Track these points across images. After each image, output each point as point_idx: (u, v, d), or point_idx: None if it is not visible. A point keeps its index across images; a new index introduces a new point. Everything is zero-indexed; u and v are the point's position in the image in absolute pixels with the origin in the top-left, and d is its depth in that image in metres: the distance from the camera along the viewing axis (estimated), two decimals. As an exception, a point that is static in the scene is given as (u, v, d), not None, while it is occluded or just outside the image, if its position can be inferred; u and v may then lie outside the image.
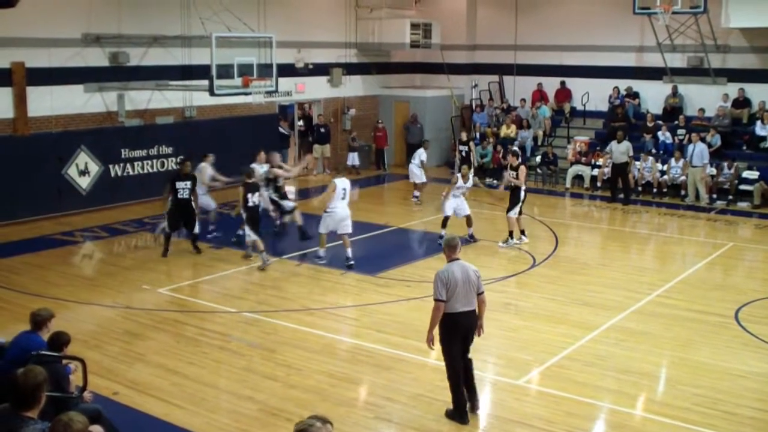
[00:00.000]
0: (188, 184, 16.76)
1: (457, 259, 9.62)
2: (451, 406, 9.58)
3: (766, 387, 10.70)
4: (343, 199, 16.13)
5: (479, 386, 10.53)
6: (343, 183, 16.29)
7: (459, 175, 18.46)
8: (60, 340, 8.26)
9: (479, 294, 9.52)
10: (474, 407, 9.68)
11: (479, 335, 9.72)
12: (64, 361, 8.22)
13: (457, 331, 9.46)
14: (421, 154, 23.51)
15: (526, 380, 10.84)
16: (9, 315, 12.76)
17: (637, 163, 24.41)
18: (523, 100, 29.23)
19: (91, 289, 14.62)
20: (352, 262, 16.07)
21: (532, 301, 14.24)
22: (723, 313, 13.56)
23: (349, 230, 16.24)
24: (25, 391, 5.76)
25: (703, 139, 23.74)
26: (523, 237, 18.15)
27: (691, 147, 23.46)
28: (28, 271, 15.66)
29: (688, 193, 23.42)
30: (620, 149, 23.38)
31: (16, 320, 11.60)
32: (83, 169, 20.77)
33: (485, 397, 10.52)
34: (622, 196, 23.37)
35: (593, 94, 27.83)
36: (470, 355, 9.71)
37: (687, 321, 13.25)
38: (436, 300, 9.37)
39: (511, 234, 18.05)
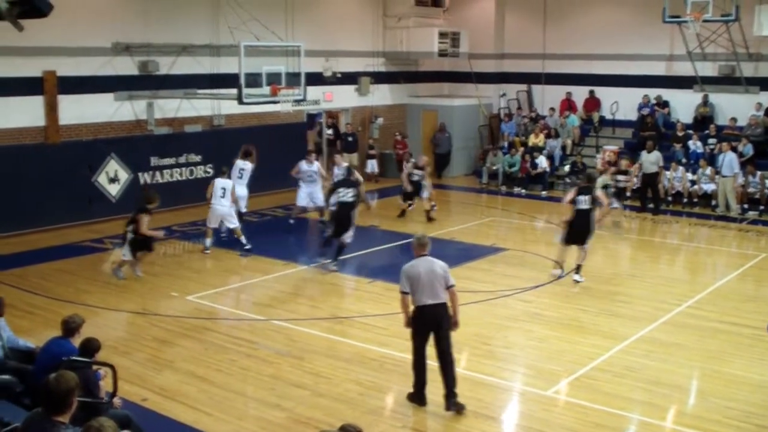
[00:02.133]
0: (351, 191, 16.62)
1: (425, 255, 10.02)
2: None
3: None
4: (222, 197, 17.40)
5: (507, 396, 10.55)
6: (222, 183, 17.67)
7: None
8: (91, 346, 8.31)
9: (448, 287, 9.89)
10: (450, 404, 9.85)
11: (454, 329, 10.04)
12: (95, 367, 8.26)
13: (423, 322, 9.90)
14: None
15: (555, 391, 10.75)
16: (40, 321, 12.85)
17: (667, 173, 24.21)
18: (552, 109, 29.11)
19: (121, 295, 14.70)
20: (248, 247, 17.62)
21: (560, 312, 14.14)
22: (755, 325, 13.36)
23: (233, 225, 17.47)
24: (58, 396, 5.79)
25: (734, 149, 23.53)
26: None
27: (721, 156, 23.28)
28: (58, 277, 15.78)
29: (718, 203, 23.19)
30: (650, 159, 23.22)
31: (47, 326, 11.70)
32: (113, 177, 20.92)
33: (512, 407, 10.49)
34: (651, 206, 23.19)
35: (622, 103, 27.65)
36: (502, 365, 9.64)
37: (719, 333, 13.10)
38: (400, 292, 9.95)
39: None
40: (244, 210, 19.17)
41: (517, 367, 11.67)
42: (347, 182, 16.92)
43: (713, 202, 23.41)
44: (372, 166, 28.12)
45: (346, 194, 16.49)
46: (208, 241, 17.89)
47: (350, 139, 27.42)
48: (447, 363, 9.88)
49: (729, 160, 22.95)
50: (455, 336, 9.99)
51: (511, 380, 11.19)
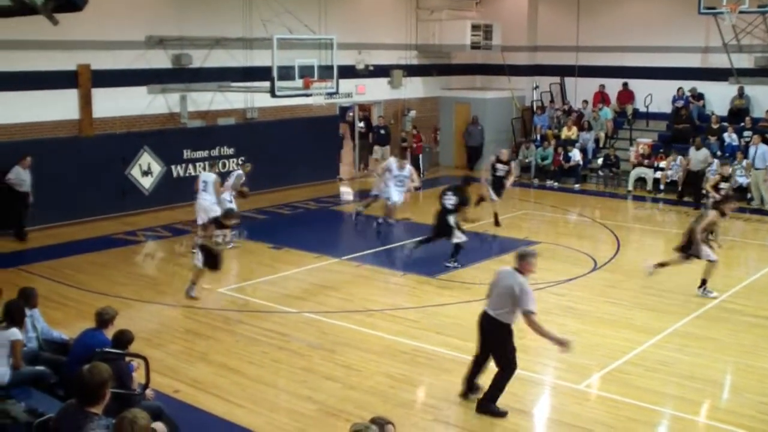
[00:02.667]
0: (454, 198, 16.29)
1: (513, 267, 9.98)
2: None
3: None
4: (204, 190, 16.99)
5: (539, 390, 10.58)
6: (204, 176, 17.37)
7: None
8: (124, 338, 8.39)
9: (524, 312, 9.62)
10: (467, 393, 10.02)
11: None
12: (127, 359, 8.34)
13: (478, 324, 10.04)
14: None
15: (587, 384, 10.71)
16: (75, 312, 12.98)
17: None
18: (585, 101, 28.92)
19: (154, 288, 14.81)
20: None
21: (593, 305, 14.07)
22: (791, 318, 13.27)
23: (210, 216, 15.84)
24: (91, 388, 5.85)
25: (766, 141, 23.28)
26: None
27: (753, 149, 23.03)
28: (92, 270, 15.93)
29: (753, 196, 22.95)
30: (698, 157, 22.93)
31: (80, 318, 11.82)
32: (146, 170, 21.08)
33: (544, 400, 10.46)
34: (691, 199, 22.89)
35: (656, 96, 27.41)
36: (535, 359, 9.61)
37: (753, 327, 12.97)
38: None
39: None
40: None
41: (549, 360, 11.61)
42: (453, 188, 16.52)
43: (748, 195, 23.16)
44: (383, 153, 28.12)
45: (448, 200, 16.23)
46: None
47: (382, 132, 27.41)
48: (480, 366, 9.93)
49: (762, 153, 22.72)
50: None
51: (544, 374, 11.16)
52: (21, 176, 17.76)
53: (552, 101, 29.99)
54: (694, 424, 9.70)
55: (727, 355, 11.78)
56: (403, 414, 9.62)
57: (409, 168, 19.57)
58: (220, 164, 22.61)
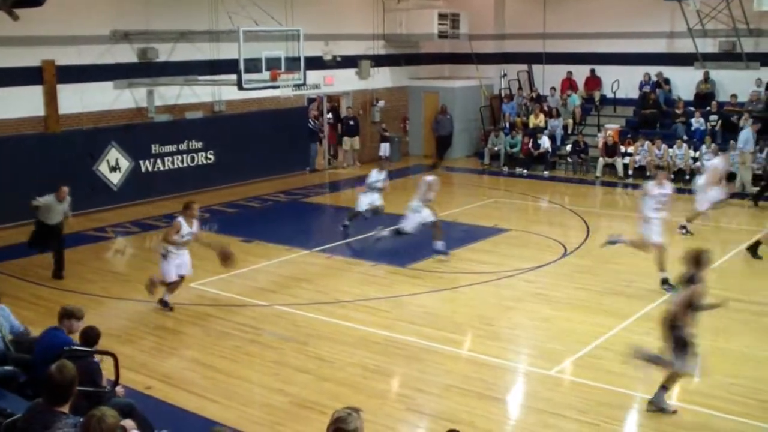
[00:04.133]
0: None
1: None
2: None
3: (803, 375, 10.57)
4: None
5: (511, 377, 10.64)
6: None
7: None
8: (91, 335, 8.32)
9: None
10: None
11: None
12: (96, 356, 8.27)
13: None
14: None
15: (559, 370, 10.76)
16: (45, 311, 12.82)
17: (670, 150, 24.19)
18: (553, 88, 29.04)
19: (124, 284, 14.73)
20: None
21: (563, 291, 14.14)
22: (759, 300, 13.41)
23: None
24: (60, 387, 5.81)
25: (734, 125, 23.47)
26: None
27: (743, 133, 23.11)
28: (61, 267, 15.78)
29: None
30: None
31: (51, 316, 11.66)
32: (114, 165, 20.91)
33: (517, 387, 10.52)
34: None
35: (624, 82, 27.58)
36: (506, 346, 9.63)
37: (723, 310, 13.04)
38: None
39: None
40: None
41: (521, 347, 11.69)
42: None
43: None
44: (385, 149, 28.08)
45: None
46: None
47: (351, 123, 27.37)
48: None
49: (747, 136, 22.87)
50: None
51: (516, 361, 11.21)
52: (52, 206, 15.09)
53: (520, 89, 30.06)
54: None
55: (698, 338, 11.84)
56: (376, 404, 9.64)
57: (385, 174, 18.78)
58: (189, 158, 22.50)
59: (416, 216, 16.27)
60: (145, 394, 9.79)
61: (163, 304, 13.18)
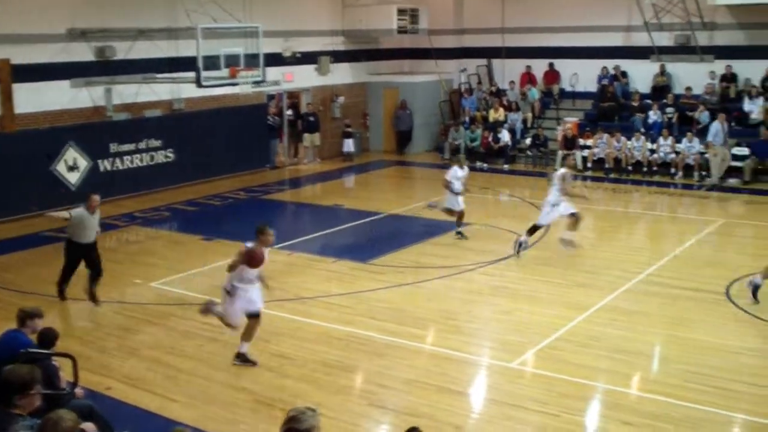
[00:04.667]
0: None
1: None
2: None
3: (759, 361, 10.74)
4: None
5: (473, 370, 10.70)
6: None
7: None
8: (49, 337, 8.26)
9: None
10: None
11: None
12: (54, 358, 8.21)
13: None
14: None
15: (520, 362, 10.84)
16: (3, 313, 12.70)
17: (628, 142, 24.47)
18: (512, 82, 29.21)
19: (85, 285, 14.57)
20: None
21: (524, 284, 14.26)
22: (715, 290, 13.59)
23: None
24: (13, 389, 5.76)
25: (690, 118, 23.81)
26: None
27: (713, 126, 23.49)
28: (20, 268, 15.64)
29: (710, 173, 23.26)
30: None
31: (9, 319, 11.57)
32: (72, 165, 20.68)
33: (479, 380, 10.59)
34: None
35: (582, 75, 27.85)
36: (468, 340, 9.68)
37: (679, 299, 13.27)
38: None
39: None
40: None
41: (482, 340, 11.77)
42: None
43: (672, 170, 23.66)
44: (348, 145, 28.07)
45: None
46: None
47: (311, 119, 27.32)
48: None
49: (717, 129, 23.22)
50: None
51: (477, 354, 11.29)
52: (84, 220, 13.13)
53: (480, 83, 30.19)
54: (625, 396, 9.88)
55: (656, 327, 12.04)
56: (339, 400, 9.66)
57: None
58: (148, 157, 22.33)
59: (554, 210, 16.09)
60: (105, 395, 9.72)
61: (242, 359, 10.80)
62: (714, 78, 25.53)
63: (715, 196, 21.41)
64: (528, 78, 29.18)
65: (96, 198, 13.15)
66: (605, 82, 27.25)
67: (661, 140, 24.06)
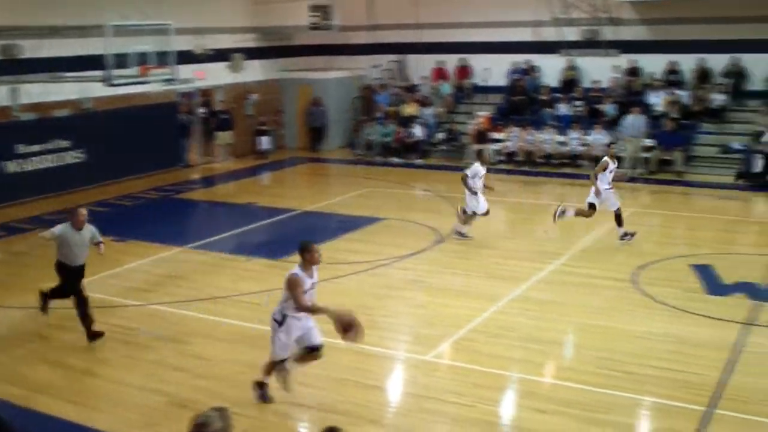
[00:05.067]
0: None
1: None
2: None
3: (666, 346, 11.07)
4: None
5: (389, 364, 10.77)
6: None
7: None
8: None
9: None
10: None
11: None
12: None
13: None
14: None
15: (435, 355, 10.97)
16: None
17: (539, 135, 24.92)
18: (425, 78, 29.42)
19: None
20: None
21: (438, 277, 14.40)
22: (623, 277, 13.98)
23: None
24: None
25: (599, 111, 24.38)
26: None
27: (628, 119, 24.10)
28: None
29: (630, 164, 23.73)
30: None
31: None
32: (-23, 167, 20.15)
33: (395, 374, 10.68)
34: None
35: (493, 70, 28.19)
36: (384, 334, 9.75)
37: (589, 287, 13.59)
38: None
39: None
40: None
41: (397, 334, 11.87)
42: None
43: (581, 163, 24.17)
44: (265, 142, 27.88)
45: None
46: None
47: (224, 117, 27.09)
48: None
49: (632, 123, 23.81)
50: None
51: (393, 348, 11.37)
52: (69, 239, 11.51)
53: (393, 79, 30.33)
54: (539, 385, 10.11)
55: (566, 316, 12.30)
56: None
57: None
58: (56, 158, 21.85)
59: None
60: (16, 405, 9.51)
61: (262, 396, 9.66)
62: (620, 72, 26.17)
63: (625, 186, 21.88)
64: (440, 73, 29.43)
65: (83, 212, 11.54)
66: (516, 76, 27.69)
67: (570, 133, 24.56)
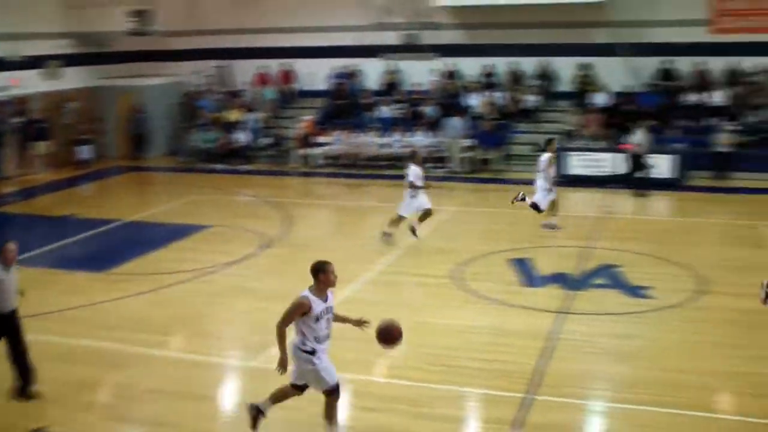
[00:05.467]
0: None
1: None
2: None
3: (487, 338, 11.57)
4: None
5: (217, 373, 10.73)
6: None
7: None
8: None
9: None
10: None
11: None
12: None
13: None
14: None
15: (264, 360, 10.89)
16: None
17: (362, 138, 25.35)
18: (249, 83, 29.33)
19: None
20: None
21: (266, 282, 14.43)
22: (446, 274, 14.44)
23: None
24: None
25: (420, 113, 25.06)
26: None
27: (449, 121, 24.82)
28: None
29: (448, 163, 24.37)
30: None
31: None
32: None
33: (225, 383, 10.62)
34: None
35: (317, 74, 28.45)
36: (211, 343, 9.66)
37: (415, 286, 13.98)
38: None
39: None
40: None
41: (225, 342, 11.83)
42: None
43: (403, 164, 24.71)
44: (83, 152, 26.98)
45: None
46: None
47: (41, 126, 26.07)
48: None
49: (452, 124, 24.59)
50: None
51: (221, 356, 11.33)
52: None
53: (216, 85, 30.06)
54: (368, 384, 10.33)
55: (395, 315, 12.40)
56: (83, 418, 9.40)
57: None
58: None
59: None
60: None
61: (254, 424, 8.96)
62: (439, 75, 26.94)
63: (446, 185, 22.55)
64: (263, 78, 29.40)
65: (12, 247, 9.82)
66: (339, 80, 28.03)
67: (393, 135, 25.10)
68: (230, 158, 26.76)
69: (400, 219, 16.70)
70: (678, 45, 24.86)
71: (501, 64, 26.76)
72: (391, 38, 27.58)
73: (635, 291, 13.56)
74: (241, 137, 26.84)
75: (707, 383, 10.06)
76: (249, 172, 25.83)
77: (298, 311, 8.40)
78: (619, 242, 16.64)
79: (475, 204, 21.46)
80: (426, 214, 16.72)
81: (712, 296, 13.23)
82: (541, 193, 17.35)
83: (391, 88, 27.49)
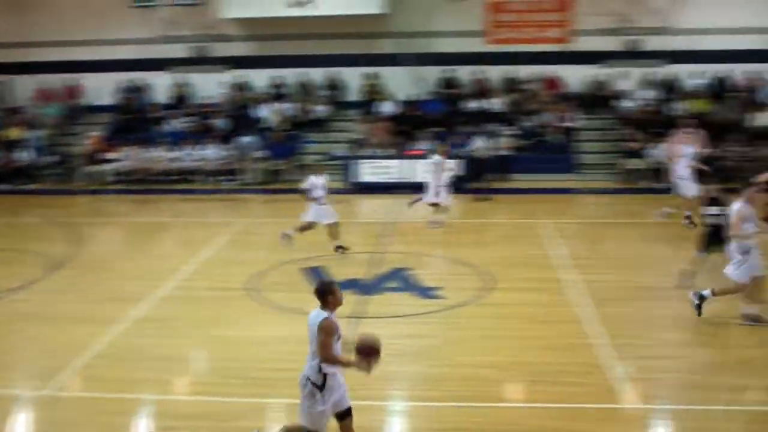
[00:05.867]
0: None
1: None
2: None
3: (287, 347, 11.38)
4: None
5: (4, 405, 10.08)
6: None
7: None
8: None
9: None
10: None
11: None
12: None
13: None
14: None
15: (54, 387, 10.50)
16: None
17: (153, 152, 24.93)
18: (31, 99, 28.16)
19: None
20: None
21: (55, 306, 13.78)
22: (241, 287, 14.40)
23: None
24: None
25: (211, 126, 24.95)
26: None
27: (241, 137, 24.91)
28: None
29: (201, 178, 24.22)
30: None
31: None
32: None
33: (12, 414, 10.03)
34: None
35: (103, 89, 27.73)
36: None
37: (211, 300, 13.85)
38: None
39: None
40: None
41: (11, 372, 11.22)
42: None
43: (193, 178, 24.57)
44: None
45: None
46: None
47: None
48: None
49: (246, 138, 24.76)
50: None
51: (6, 386, 10.70)
52: None
53: (-3, 101, 28.70)
54: (169, 403, 10.01)
55: (190, 331, 12.39)
56: None
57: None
58: None
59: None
60: None
61: None
62: (229, 87, 26.88)
63: (239, 198, 22.51)
64: (45, 94, 28.29)
65: None
66: (126, 95, 27.44)
67: (184, 149, 24.82)
68: (13, 178, 25.58)
69: (309, 227, 16.67)
70: (458, 55, 26.04)
71: (291, 75, 27.02)
72: (179, 51, 27.24)
73: (426, 292, 14.06)
74: (24, 155, 25.71)
75: (498, 375, 10.56)
76: (34, 192, 24.77)
77: (333, 333, 7.59)
78: (410, 245, 17.24)
79: (267, 215, 21.54)
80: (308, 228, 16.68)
81: (497, 292, 13.95)
82: (433, 192, 18.37)
83: (180, 102, 27.19)
